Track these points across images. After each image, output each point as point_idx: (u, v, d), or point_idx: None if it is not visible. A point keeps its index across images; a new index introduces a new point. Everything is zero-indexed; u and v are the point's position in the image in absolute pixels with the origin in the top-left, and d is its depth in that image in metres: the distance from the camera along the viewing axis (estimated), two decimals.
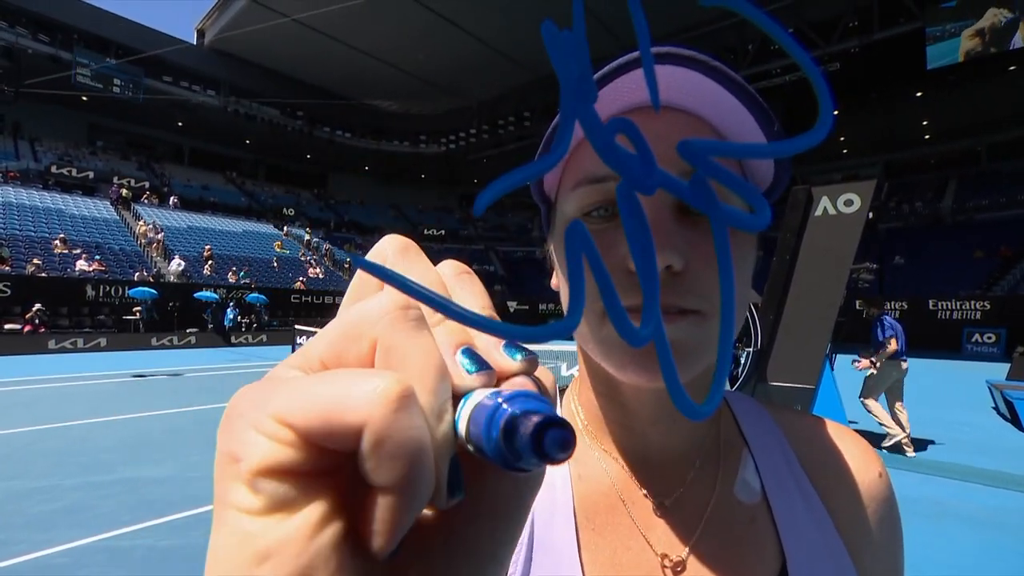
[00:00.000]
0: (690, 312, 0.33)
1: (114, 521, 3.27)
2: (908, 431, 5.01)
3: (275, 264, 21.81)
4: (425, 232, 34.82)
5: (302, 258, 23.82)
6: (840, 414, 4.92)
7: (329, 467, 0.13)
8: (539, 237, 0.47)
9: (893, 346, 5.05)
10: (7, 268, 14.03)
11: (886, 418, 5.09)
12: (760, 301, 5.05)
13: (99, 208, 20.71)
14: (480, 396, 0.15)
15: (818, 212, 4.86)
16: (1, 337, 12.55)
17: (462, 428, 0.15)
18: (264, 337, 17.31)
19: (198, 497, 3.67)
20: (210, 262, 19.06)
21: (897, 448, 4.95)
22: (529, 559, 0.38)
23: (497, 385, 0.16)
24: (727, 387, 0.38)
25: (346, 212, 34.42)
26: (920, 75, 19.72)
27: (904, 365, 5.13)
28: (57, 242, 16.30)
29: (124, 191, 21.84)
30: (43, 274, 14.50)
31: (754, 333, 4.93)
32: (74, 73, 22.16)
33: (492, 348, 0.17)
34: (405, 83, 27.90)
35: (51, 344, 13.09)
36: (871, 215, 4.78)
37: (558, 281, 0.42)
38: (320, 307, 20.30)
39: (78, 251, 16.31)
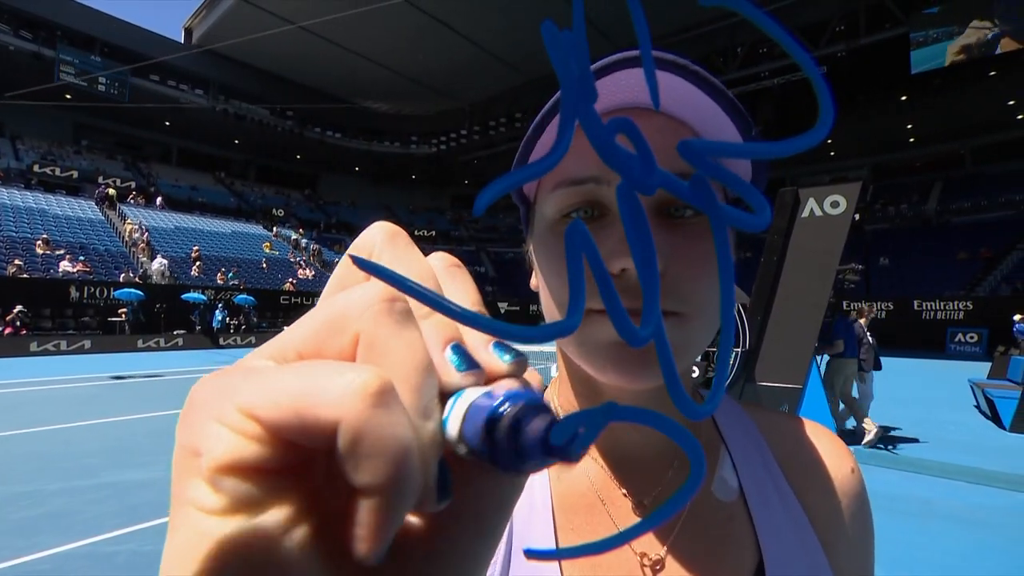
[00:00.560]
0: (670, 314, 0.34)
1: (98, 526, 3.21)
2: (843, 426, 5.47)
3: (264, 265, 21.62)
4: (416, 233, 34.71)
5: (292, 259, 23.63)
6: (826, 413, 4.98)
7: (299, 465, 0.13)
8: (525, 236, 0.47)
9: (839, 347, 5.46)
10: None
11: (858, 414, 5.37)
12: (748, 302, 5.09)
13: (83, 208, 20.38)
14: (473, 395, 0.15)
15: (805, 213, 4.91)
16: None
17: (452, 428, 0.14)
18: (253, 339, 17.14)
19: None
20: (198, 263, 18.84)
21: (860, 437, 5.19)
22: (508, 560, 0.37)
23: (486, 385, 0.15)
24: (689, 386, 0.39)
25: (337, 213, 34.20)
26: (905, 79, 20.07)
27: (853, 365, 5.49)
28: (40, 243, 16.00)
29: (111, 190, 21.51)
30: (25, 275, 14.23)
31: (742, 334, 4.97)
32: (57, 71, 21.78)
33: (481, 346, 0.16)
34: (396, 84, 27.80)
35: (33, 346, 12.84)
36: (857, 217, 4.85)
37: (538, 282, 0.41)
38: (310, 308, 20.03)
39: (61, 252, 16.03)
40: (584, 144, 0.20)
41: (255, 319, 18.02)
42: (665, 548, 0.38)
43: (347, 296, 0.15)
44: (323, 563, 0.13)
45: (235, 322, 17.38)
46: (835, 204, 4.77)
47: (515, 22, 20.70)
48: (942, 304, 18.10)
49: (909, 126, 26.30)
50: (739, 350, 4.87)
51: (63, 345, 13.31)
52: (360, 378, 0.12)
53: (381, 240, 0.18)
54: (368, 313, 0.14)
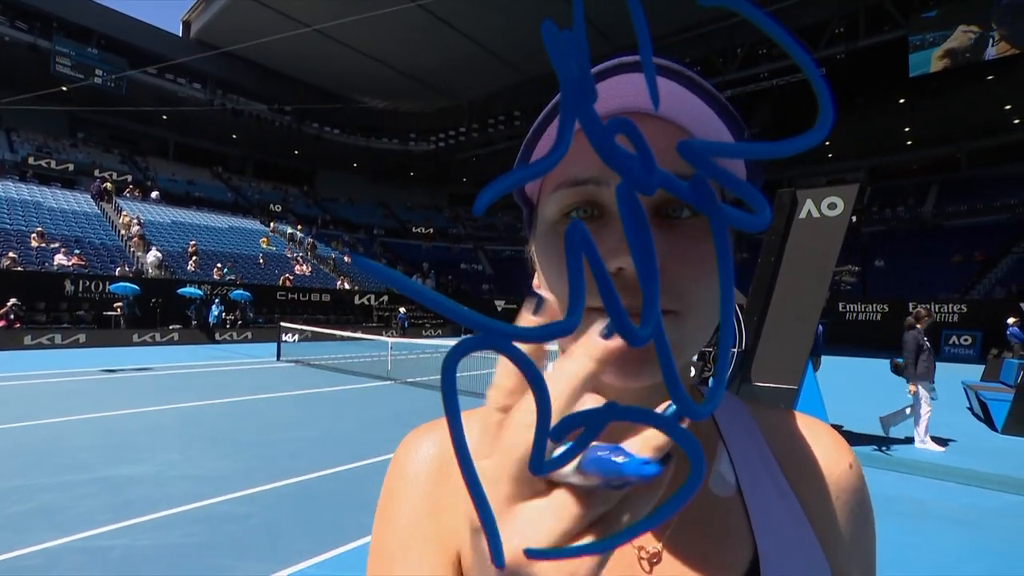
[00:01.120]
0: (667, 312, 0.34)
1: (90, 521, 3.19)
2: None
3: (261, 261, 21.54)
4: (413, 230, 34.63)
5: (288, 255, 23.56)
6: (821, 414, 5.00)
7: None
8: (527, 237, 0.46)
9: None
10: None
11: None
12: (745, 302, 5.11)
13: (79, 201, 20.25)
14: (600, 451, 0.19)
15: (802, 215, 4.93)
16: None
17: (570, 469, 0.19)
18: (249, 334, 17.09)
19: (178, 496, 3.61)
20: (195, 258, 18.75)
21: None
22: None
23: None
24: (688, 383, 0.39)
25: (334, 209, 34.09)
26: (903, 82, 20.14)
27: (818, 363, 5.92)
28: (34, 236, 15.90)
29: (108, 184, 21.38)
30: (19, 268, 14.14)
31: (738, 334, 4.98)
32: (53, 63, 21.61)
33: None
34: (395, 81, 27.70)
35: (27, 340, 12.77)
36: (854, 219, 4.86)
37: (540, 282, 0.41)
38: (307, 304, 20.08)
39: (56, 245, 15.93)
40: (585, 145, 0.21)
41: (251, 315, 17.97)
42: (662, 542, 0.38)
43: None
44: None
45: (231, 317, 17.33)
46: (832, 205, 4.79)
47: (515, 20, 20.66)
48: (937, 307, 18.20)
49: (907, 129, 26.40)
50: (735, 350, 4.89)
51: (58, 339, 13.24)
52: None
53: None
54: None
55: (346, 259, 25.88)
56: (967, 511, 3.70)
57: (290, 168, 35.16)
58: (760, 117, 24.54)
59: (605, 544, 0.16)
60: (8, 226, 16.19)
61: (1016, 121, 23.92)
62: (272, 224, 26.50)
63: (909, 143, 27.68)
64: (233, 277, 18.77)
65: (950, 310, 17.91)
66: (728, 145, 0.15)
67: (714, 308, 0.36)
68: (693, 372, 5.25)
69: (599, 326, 0.21)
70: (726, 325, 0.16)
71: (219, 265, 18.93)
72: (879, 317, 19.42)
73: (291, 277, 21.00)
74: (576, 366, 0.20)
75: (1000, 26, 16.66)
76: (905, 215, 25.71)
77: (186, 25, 25.42)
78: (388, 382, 9.20)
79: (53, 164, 23.03)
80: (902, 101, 23.87)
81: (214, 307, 16.42)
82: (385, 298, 22.78)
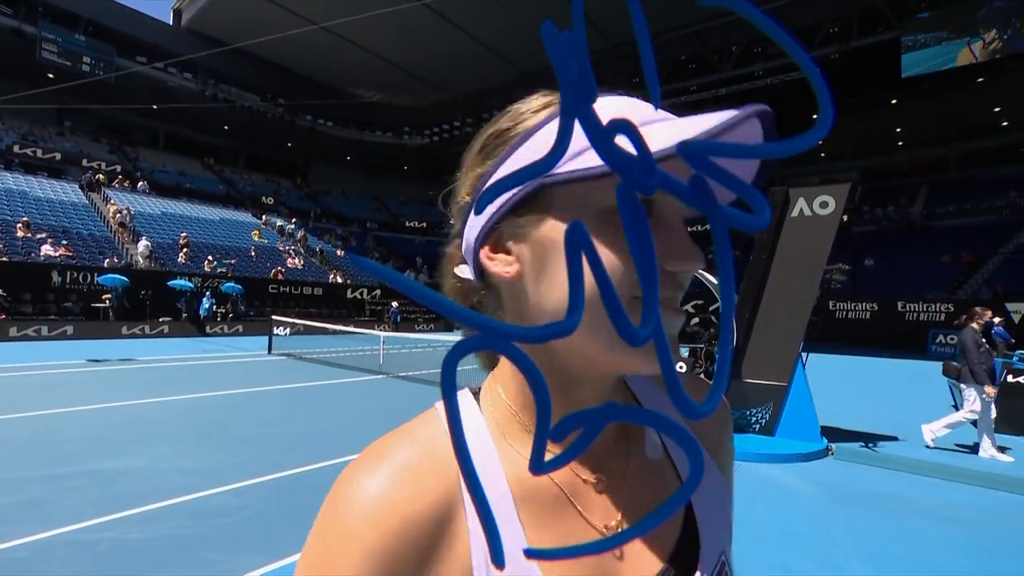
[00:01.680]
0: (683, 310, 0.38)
1: (79, 514, 3.17)
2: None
3: (253, 253, 21.37)
4: (407, 224, 34.49)
5: (281, 248, 23.38)
6: (810, 411, 5.06)
7: None
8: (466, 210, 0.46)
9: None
10: None
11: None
12: (736, 299, 5.14)
13: (66, 191, 19.94)
14: None
15: (794, 213, 4.96)
16: None
17: None
18: (240, 327, 16.97)
19: (167, 489, 3.59)
20: (185, 250, 18.56)
21: None
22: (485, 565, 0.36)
23: None
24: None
25: (327, 202, 33.85)
26: (895, 83, 20.30)
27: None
28: (20, 226, 15.65)
29: (100, 176, 21.08)
30: (4, 259, 13.92)
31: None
32: (39, 49, 21.20)
33: None
34: (390, 74, 27.49)
35: (12, 331, 12.59)
36: (845, 218, 4.91)
37: (512, 271, 0.39)
38: (298, 297, 19.96)
39: (43, 235, 15.70)
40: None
41: (243, 307, 17.84)
42: (620, 514, 0.41)
43: None
44: None
45: (222, 310, 17.19)
46: (824, 204, 4.83)
47: (511, 15, 20.55)
48: (925, 306, 18.46)
49: (898, 129, 26.64)
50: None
51: (44, 330, 13.07)
52: None
53: None
54: None
55: (339, 252, 25.73)
56: (951, 507, 3.77)
57: (283, 160, 34.83)
58: None
59: (603, 545, 0.16)
60: None
61: (1006, 123, 24.21)
62: (264, 217, 26.27)
63: (900, 144, 27.94)
64: (224, 269, 18.61)
65: (938, 309, 18.17)
66: (728, 145, 0.15)
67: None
68: (684, 368, 5.28)
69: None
70: (726, 324, 0.16)
71: (209, 257, 18.76)
72: (868, 316, 19.65)
73: (283, 270, 20.85)
74: None
75: (986, 31, 16.83)
76: (895, 215, 25.99)
77: (177, 13, 25.04)
78: (380, 376, 9.19)
79: (40, 153, 22.64)
80: (894, 102, 24.07)
81: (205, 300, 16.28)
82: (378, 292, 22.70)
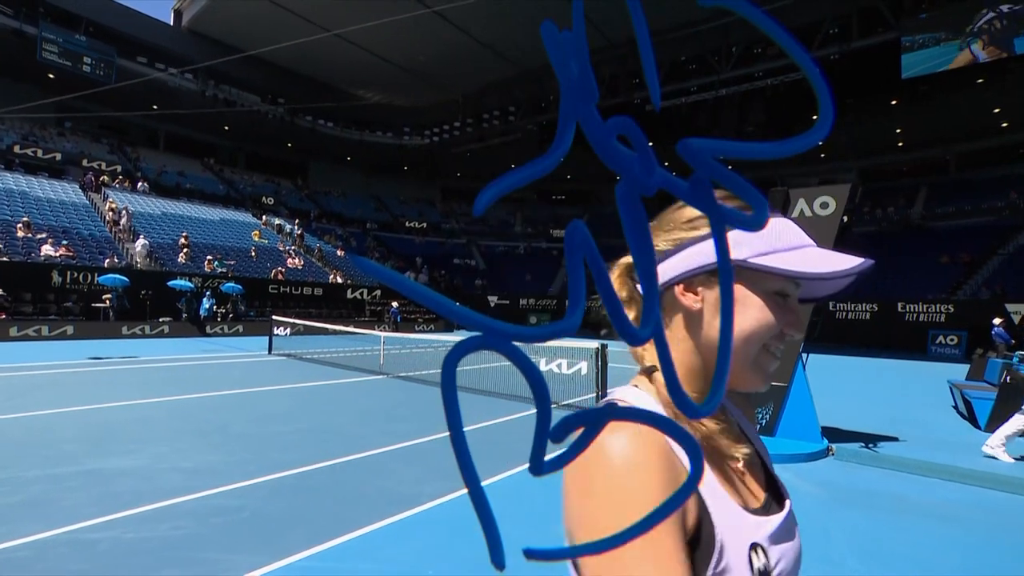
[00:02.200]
0: None
1: (78, 513, 3.17)
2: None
3: (253, 253, 21.37)
4: (407, 224, 34.49)
5: (281, 248, 23.38)
6: (811, 411, 5.06)
7: None
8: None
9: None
10: None
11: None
12: None
13: (67, 191, 19.96)
14: None
15: (795, 213, 4.96)
16: None
17: None
18: (240, 327, 16.98)
19: (167, 489, 3.59)
20: (186, 250, 18.56)
21: None
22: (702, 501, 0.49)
23: None
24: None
25: (327, 202, 33.85)
26: (895, 84, 20.30)
27: None
28: (20, 226, 15.65)
29: (104, 177, 21.09)
30: (4, 258, 13.92)
31: None
32: (40, 49, 21.21)
33: None
34: (390, 74, 27.48)
35: (13, 331, 12.60)
36: (845, 218, 4.91)
37: (687, 326, 0.56)
38: (299, 297, 19.97)
39: (43, 235, 15.70)
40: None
41: (243, 308, 17.84)
42: (750, 450, 0.58)
43: None
44: None
45: (223, 310, 17.19)
46: (824, 205, 4.83)
47: (510, 15, 20.55)
48: (924, 307, 18.47)
49: (898, 130, 26.63)
50: None
51: (45, 330, 13.07)
52: None
53: None
54: None
55: (339, 252, 25.73)
56: (948, 506, 3.77)
57: (283, 161, 34.84)
58: (754, 116, 24.62)
59: (607, 543, 0.16)
60: None
61: (1005, 124, 24.22)
62: (264, 217, 26.27)
63: (900, 145, 27.95)
64: (224, 270, 18.61)
65: (937, 310, 18.18)
66: (729, 145, 0.15)
67: None
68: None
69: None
70: (726, 324, 0.17)
71: (209, 257, 18.76)
72: (868, 316, 19.67)
73: (283, 270, 20.86)
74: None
75: (984, 32, 16.84)
76: (895, 216, 26.00)
77: (177, 14, 25.04)
78: (381, 376, 9.19)
79: (40, 153, 22.64)
80: (894, 103, 24.07)
81: (205, 300, 16.28)
82: (378, 292, 22.70)
